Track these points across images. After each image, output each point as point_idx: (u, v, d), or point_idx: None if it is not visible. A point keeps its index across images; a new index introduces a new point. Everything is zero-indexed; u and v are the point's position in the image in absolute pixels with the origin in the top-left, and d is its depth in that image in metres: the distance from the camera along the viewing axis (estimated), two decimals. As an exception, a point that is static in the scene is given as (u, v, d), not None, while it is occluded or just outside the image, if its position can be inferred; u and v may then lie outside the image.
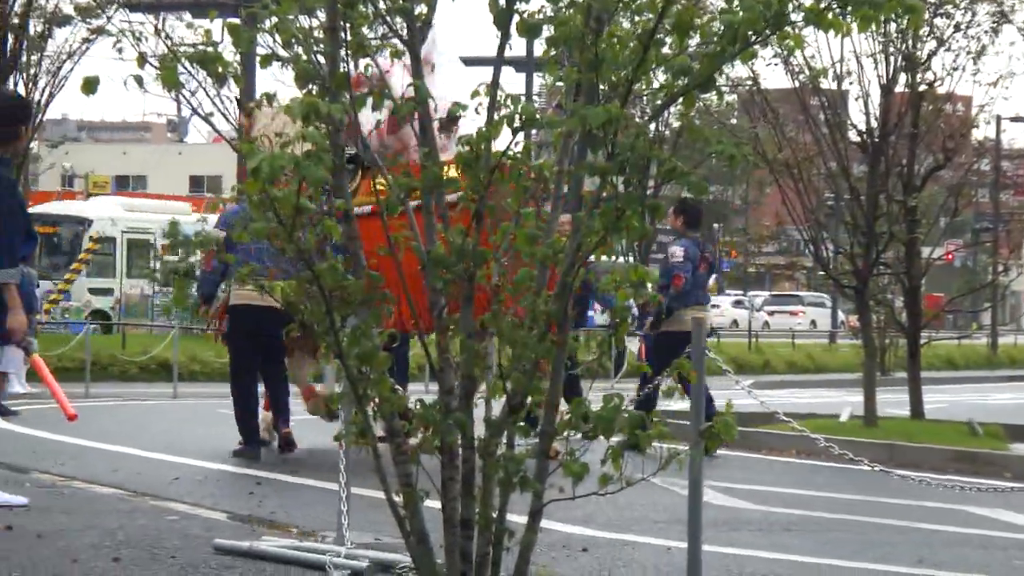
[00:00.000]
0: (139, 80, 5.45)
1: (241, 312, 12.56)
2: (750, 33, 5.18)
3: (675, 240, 14.99)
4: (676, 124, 34.00)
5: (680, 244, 14.73)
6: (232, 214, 12.15)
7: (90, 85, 5.42)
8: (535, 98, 35.36)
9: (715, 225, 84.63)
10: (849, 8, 5.14)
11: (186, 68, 5.39)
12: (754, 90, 18.49)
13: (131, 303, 41.91)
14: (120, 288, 42.00)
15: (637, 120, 5.60)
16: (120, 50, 6.63)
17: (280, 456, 12.90)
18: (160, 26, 6.99)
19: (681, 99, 5.41)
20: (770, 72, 54.84)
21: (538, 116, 5.38)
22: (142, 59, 5.43)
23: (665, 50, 5.32)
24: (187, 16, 30.13)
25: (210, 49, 5.38)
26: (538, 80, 45.50)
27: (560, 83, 5.69)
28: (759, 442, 15.58)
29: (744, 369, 35.41)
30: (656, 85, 5.46)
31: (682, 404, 12.15)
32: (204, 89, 5.39)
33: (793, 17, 5.22)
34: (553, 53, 5.55)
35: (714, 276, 15.10)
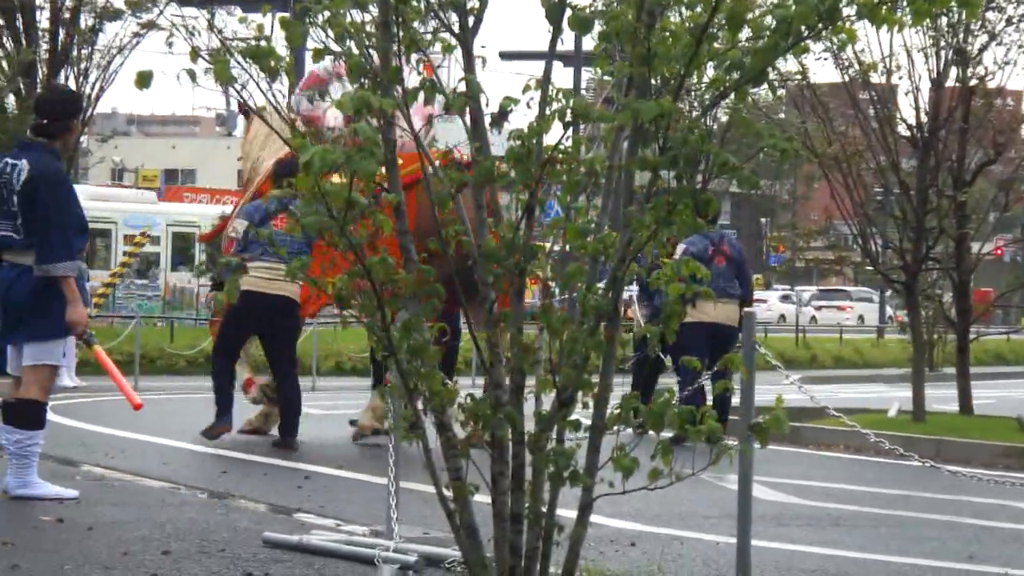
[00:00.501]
0: (192, 74, 5.46)
1: (250, 297, 12.42)
2: (803, 27, 5.15)
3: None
4: (723, 118, 33.90)
5: (684, 242, 14.65)
6: (252, 208, 13.00)
7: (144, 79, 5.44)
8: (583, 92, 35.35)
9: (762, 220, 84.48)
10: (904, 2, 5.11)
11: (239, 62, 5.40)
12: (803, 84, 18.42)
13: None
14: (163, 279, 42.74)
15: (688, 114, 5.59)
16: (171, 44, 6.67)
17: (321, 451, 12.93)
18: (212, 20, 7.01)
19: (732, 93, 5.40)
20: (819, 66, 54.56)
21: (589, 111, 5.36)
22: (195, 53, 5.44)
23: (717, 44, 5.31)
24: (237, 10, 30.22)
25: (263, 43, 5.39)
26: (585, 74, 45.54)
27: (608, 77, 5.68)
28: (807, 437, 15.54)
29: (792, 364, 35.26)
30: (707, 79, 5.44)
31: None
32: (256, 83, 5.39)
33: (846, 11, 5.20)
34: (604, 48, 5.55)
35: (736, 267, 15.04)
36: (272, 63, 5.47)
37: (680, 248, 14.57)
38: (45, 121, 9.18)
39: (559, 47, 5.70)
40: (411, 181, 14.83)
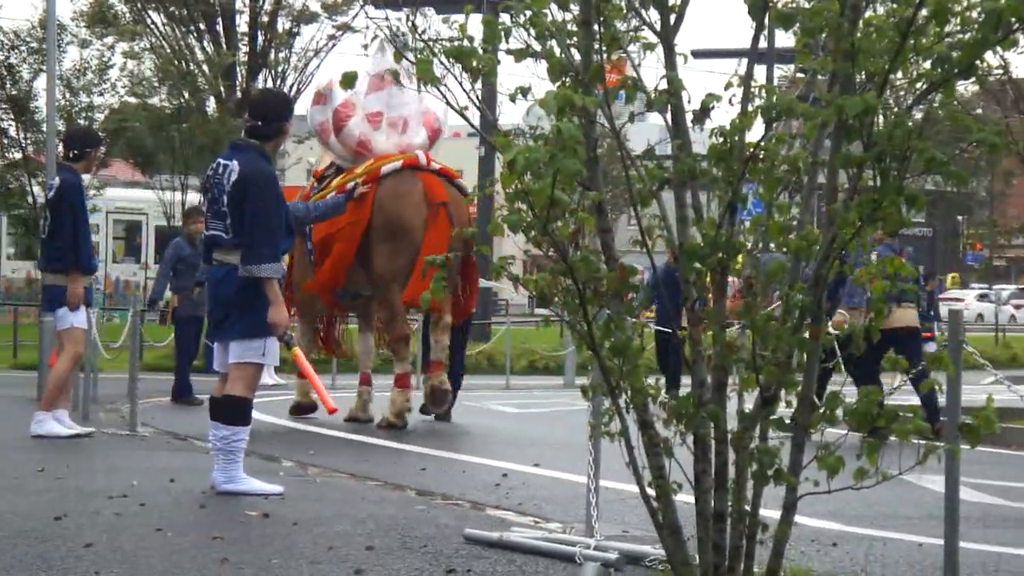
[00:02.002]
0: (396, 75, 5.53)
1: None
2: (1013, 20, 5.06)
3: None
4: (917, 114, 33.37)
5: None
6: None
7: (348, 80, 5.52)
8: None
9: (959, 218, 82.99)
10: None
11: (442, 63, 5.46)
12: (1005, 79, 18.09)
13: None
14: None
15: (894, 109, 5.52)
16: (366, 47, 6.74)
17: (517, 449, 13.00)
18: (414, 21, 7.09)
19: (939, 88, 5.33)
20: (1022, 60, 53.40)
21: (794, 107, 5.33)
22: (399, 54, 5.50)
23: (923, 38, 5.23)
24: (431, 12, 30.51)
25: (466, 43, 5.43)
26: (776, 71, 45.13)
27: (800, 75, 5.64)
28: (1010, 438, 15.24)
29: (991, 364, 34.59)
30: (914, 74, 5.36)
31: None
32: (460, 83, 5.44)
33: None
34: (806, 44, 5.50)
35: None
36: (475, 63, 5.51)
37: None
38: (259, 123, 9.34)
39: (741, 44, 5.67)
40: (372, 179, 15.59)
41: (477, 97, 5.51)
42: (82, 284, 12.59)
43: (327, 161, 16.12)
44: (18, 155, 32.49)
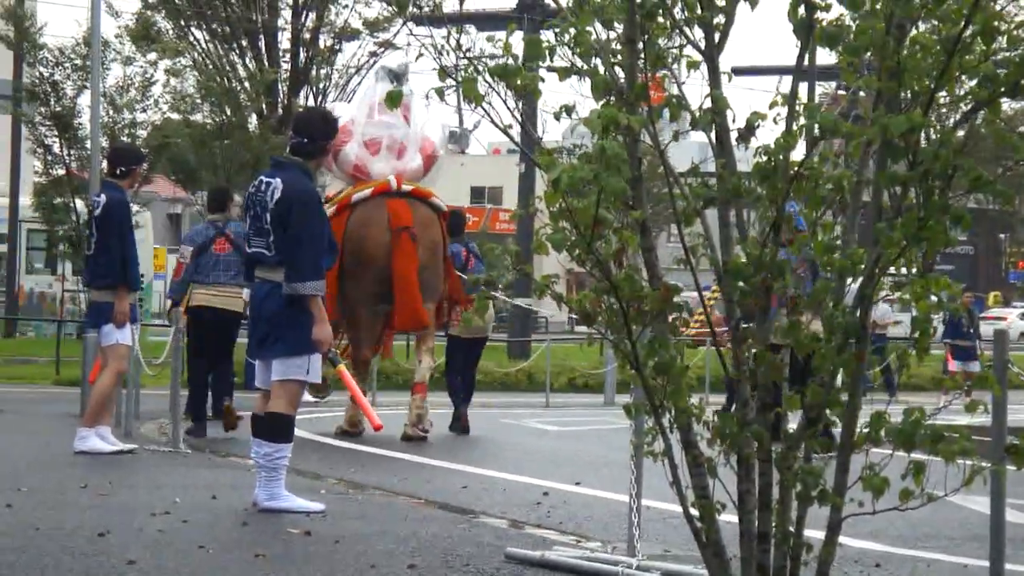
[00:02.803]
0: (440, 92, 5.53)
1: (200, 311, 15.28)
2: (1060, 38, 5.04)
3: None
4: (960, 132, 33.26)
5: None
6: (196, 233, 15.86)
7: (393, 99, 5.53)
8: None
9: (1001, 236, 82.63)
10: None
11: (487, 81, 5.46)
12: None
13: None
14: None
15: (939, 127, 5.50)
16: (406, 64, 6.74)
17: (557, 467, 12.98)
18: (459, 39, 7.10)
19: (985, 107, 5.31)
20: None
21: (838, 125, 5.31)
22: (443, 72, 5.51)
23: (969, 57, 5.21)
24: (472, 29, 30.56)
25: (510, 62, 5.44)
26: (818, 88, 45.02)
27: (841, 92, 5.63)
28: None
29: (1033, 383, 34.40)
30: (960, 92, 5.35)
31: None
32: (504, 101, 5.44)
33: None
34: (851, 62, 5.48)
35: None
36: (519, 81, 5.52)
37: None
38: (304, 140, 9.36)
39: (788, 61, 5.66)
40: (343, 206, 15.89)
41: (520, 115, 5.51)
42: (128, 301, 12.63)
43: (338, 186, 16.67)
44: (62, 171, 32.66)
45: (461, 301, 15.97)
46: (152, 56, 31.89)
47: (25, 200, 37.00)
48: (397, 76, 16.35)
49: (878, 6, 5.25)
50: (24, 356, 31.44)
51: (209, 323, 15.28)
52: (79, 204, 30.71)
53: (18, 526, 8.21)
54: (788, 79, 5.67)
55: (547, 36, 5.65)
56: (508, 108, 5.51)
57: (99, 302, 12.84)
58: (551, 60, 5.59)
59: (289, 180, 9.17)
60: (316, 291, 9.04)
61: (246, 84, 32.60)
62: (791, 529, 5.55)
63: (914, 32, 5.37)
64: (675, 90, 5.63)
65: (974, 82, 5.24)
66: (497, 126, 5.66)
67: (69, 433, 13.08)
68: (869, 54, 5.37)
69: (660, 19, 5.54)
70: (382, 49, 32.71)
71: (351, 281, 15.47)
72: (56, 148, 32.53)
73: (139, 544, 7.72)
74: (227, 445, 14.23)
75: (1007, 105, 29.99)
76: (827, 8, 5.37)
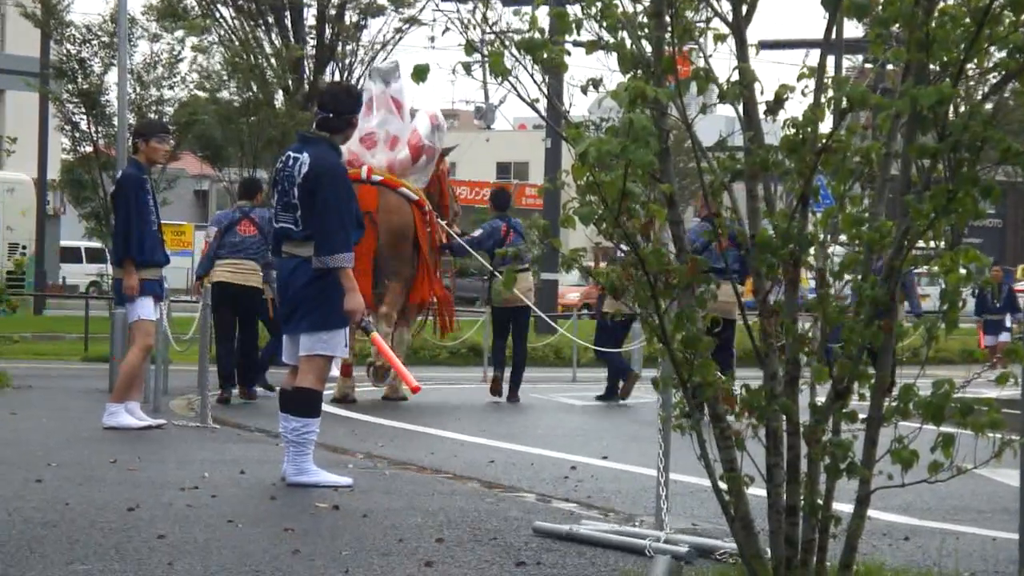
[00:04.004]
0: (467, 67, 5.53)
1: (222, 287, 16.14)
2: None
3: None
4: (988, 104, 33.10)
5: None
6: (223, 215, 17.03)
7: (420, 73, 5.53)
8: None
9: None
10: None
11: (513, 55, 5.45)
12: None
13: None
14: None
15: (966, 99, 5.48)
16: (432, 39, 6.75)
17: (584, 442, 12.99)
18: (485, 13, 7.08)
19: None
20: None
21: (867, 98, 5.29)
22: (471, 47, 5.50)
23: (999, 27, 5.18)
24: (498, 4, 30.50)
25: (536, 36, 5.43)
26: (844, 62, 44.89)
27: (869, 65, 5.61)
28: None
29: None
30: (989, 63, 5.32)
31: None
32: (531, 75, 5.43)
33: None
34: (879, 34, 5.46)
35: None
36: (546, 55, 5.51)
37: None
38: (330, 115, 9.37)
39: (815, 34, 5.64)
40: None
41: (548, 89, 5.50)
42: (135, 276, 12.56)
43: None
44: (89, 149, 32.71)
45: (441, 302, 17.83)
46: (179, 33, 31.88)
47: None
48: (387, 77, 17.67)
49: (907, -23, 5.23)
50: (53, 332, 31.55)
51: (231, 299, 16.25)
52: (106, 181, 30.75)
53: (48, 501, 8.25)
54: (814, 52, 5.65)
55: (574, 10, 5.63)
56: (535, 82, 5.50)
57: (121, 280, 12.87)
58: (578, 34, 5.58)
59: (317, 154, 9.18)
60: (346, 263, 9.05)
61: (272, 61, 32.56)
62: (819, 502, 5.55)
63: (943, 3, 5.35)
64: (702, 63, 5.61)
65: (1003, 53, 5.21)
66: (524, 100, 5.65)
67: (98, 409, 13.14)
68: (897, 26, 5.34)
69: (688, -9, 5.52)
70: (408, 25, 32.68)
71: None
72: (83, 125, 32.56)
73: (168, 519, 7.76)
74: (255, 420, 14.26)
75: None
76: (856, -21, 5.34)
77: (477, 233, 17.92)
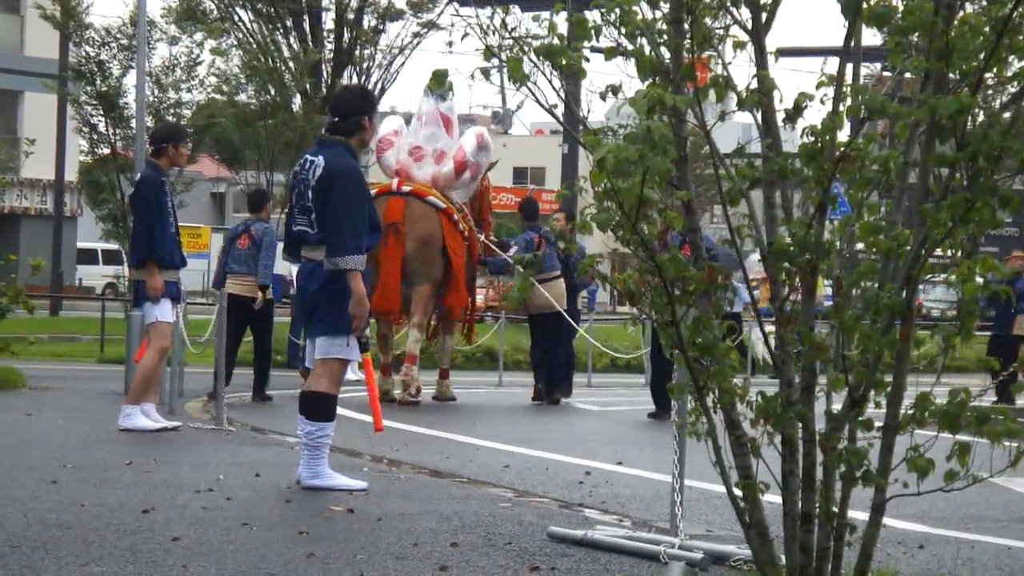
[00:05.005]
0: (486, 73, 5.53)
1: (231, 298, 16.25)
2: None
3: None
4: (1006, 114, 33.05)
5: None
6: (232, 229, 17.92)
7: (439, 79, 5.54)
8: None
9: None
10: None
11: (532, 61, 5.46)
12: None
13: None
14: None
15: (984, 108, 5.48)
16: (451, 44, 6.76)
17: (599, 447, 12.99)
18: (505, 19, 7.08)
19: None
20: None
21: (886, 106, 5.29)
22: (489, 52, 5.51)
23: (1020, 37, 5.18)
24: (516, 9, 30.56)
25: (555, 41, 5.43)
26: (863, 69, 44.77)
27: (887, 73, 5.60)
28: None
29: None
30: (1008, 73, 5.32)
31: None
32: (549, 81, 5.44)
33: None
34: (899, 43, 5.46)
35: None
36: (564, 61, 5.51)
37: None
38: (338, 118, 9.36)
39: (833, 42, 5.64)
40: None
41: (566, 95, 5.51)
42: (159, 277, 12.62)
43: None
44: (107, 151, 32.76)
45: (458, 315, 18.72)
46: (198, 36, 31.93)
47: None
48: (440, 94, 18.44)
49: (927, -14, 5.23)
50: (69, 333, 31.61)
51: (232, 309, 16.80)
52: (123, 183, 30.80)
53: (63, 502, 8.27)
54: (833, 60, 5.65)
55: (593, 16, 5.64)
56: (553, 88, 5.51)
57: (139, 281, 12.90)
58: (597, 40, 5.58)
59: (331, 157, 9.18)
60: (356, 265, 9.03)
61: (290, 64, 32.62)
62: (835, 510, 5.55)
63: (963, 13, 5.35)
64: (721, 70, 5.62)
65: (1023, 63, 5.21)
66: (542, 106, 5.66)
67: (113, 410, 13.17)
68: (917, 35, 5.34)
69: (706, -1, 5.53)
70: (426, 29, 32.74)
71: None
72: (101, 127, 32.58)
73: (183, 521, 7.77)
74: (270, 423, 14.28)
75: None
76: (875, -12, 5.35)
77: (514, 249, 18.86)
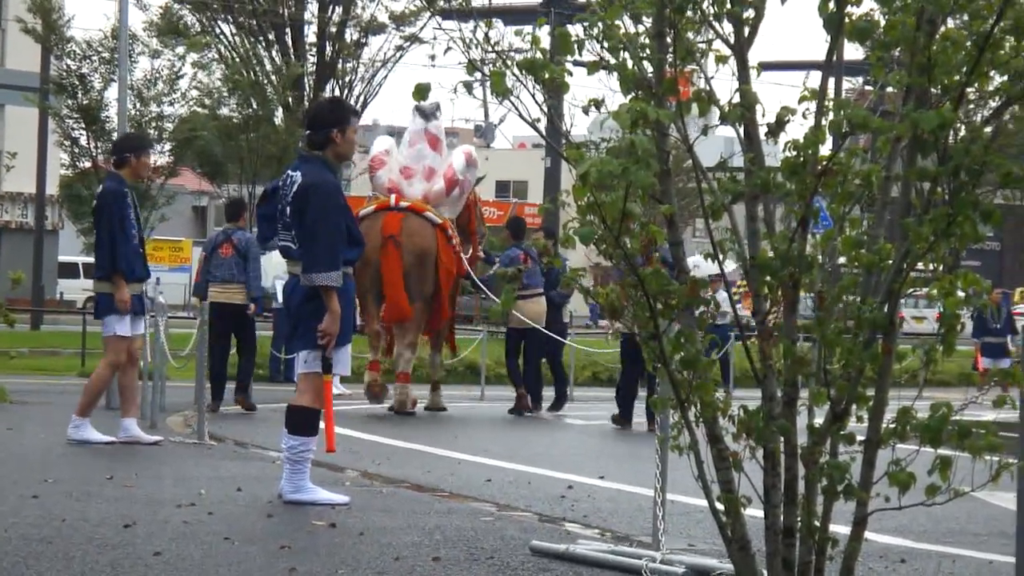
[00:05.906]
0: (468, 86, 5.54)
1: (214, 307, 16.79)
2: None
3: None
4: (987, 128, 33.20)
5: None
6: (211, 238, 18.42)
7: (421, 91, 5.54)
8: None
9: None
10: None
11: (515, 75, 5.46)
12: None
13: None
14: None
15: (967, 123, 5.49)
16: (433, 58, 6.77)
17: (582, 461, 12.97)
18: (487, 32, 7.08)
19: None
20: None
21: (868, 121, 5.30)
22: (472, 66, 5.51)
23: (1001, 52, 5.20)
24: (499, 23, 30.58)
25: (538, 55, 5.44)
26: (845, 83, 45.05)
27: (869, 87, 5.62)
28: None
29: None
30: (990, 88, 5.33)
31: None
32: (532, 95, 5.44)
33: None
34: (880, 57, 5.47)
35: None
36: (547, 75, 5.52)
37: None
38: (309, 131, 9.31)
39: (815, 56, 5.66)
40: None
41: (549, 109, 5.51)
42: (125, 290, 12.49)
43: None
44: (88, 164, 32.75)
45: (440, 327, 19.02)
46: (180, 50, 31.94)
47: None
48: (427, 114, 19.11)
49: (909, 1, 5.24)
50: (50, 347, 31.53)
51: (219, 317, 17.11)
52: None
53: (45, 517, 8.24)
54: (815, 74, 5.66)
55: (576, 30, 5.65)
56: (536, 102, 5.51)
57: (99, 293, 12.79)
58: (579, 54, 5.59)
59: (308, 172, 9.14)
60: (330, 282, 8.95)
61: (272, 78, 32.65)
62: (817, 524, 5.55)
63: (944, 28, 5.36)
64: (703, 84, 5.63)
65: (1004, 78, 5.22)
66: (525, 120, 5.66)
67: (94, 425, 13.12)
68: (899, 49, 5.36)
69: (689, 13, 5.53)
70: (408, 43, 32.76)
71: (357, 277, 16.90)
72: (83, 141, 32.59)
73: (165, 536, 7.75)
74: (252, 436, 14.26)
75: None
76: (858, 3, 5.36)
77: (497, 265, 19.36)
